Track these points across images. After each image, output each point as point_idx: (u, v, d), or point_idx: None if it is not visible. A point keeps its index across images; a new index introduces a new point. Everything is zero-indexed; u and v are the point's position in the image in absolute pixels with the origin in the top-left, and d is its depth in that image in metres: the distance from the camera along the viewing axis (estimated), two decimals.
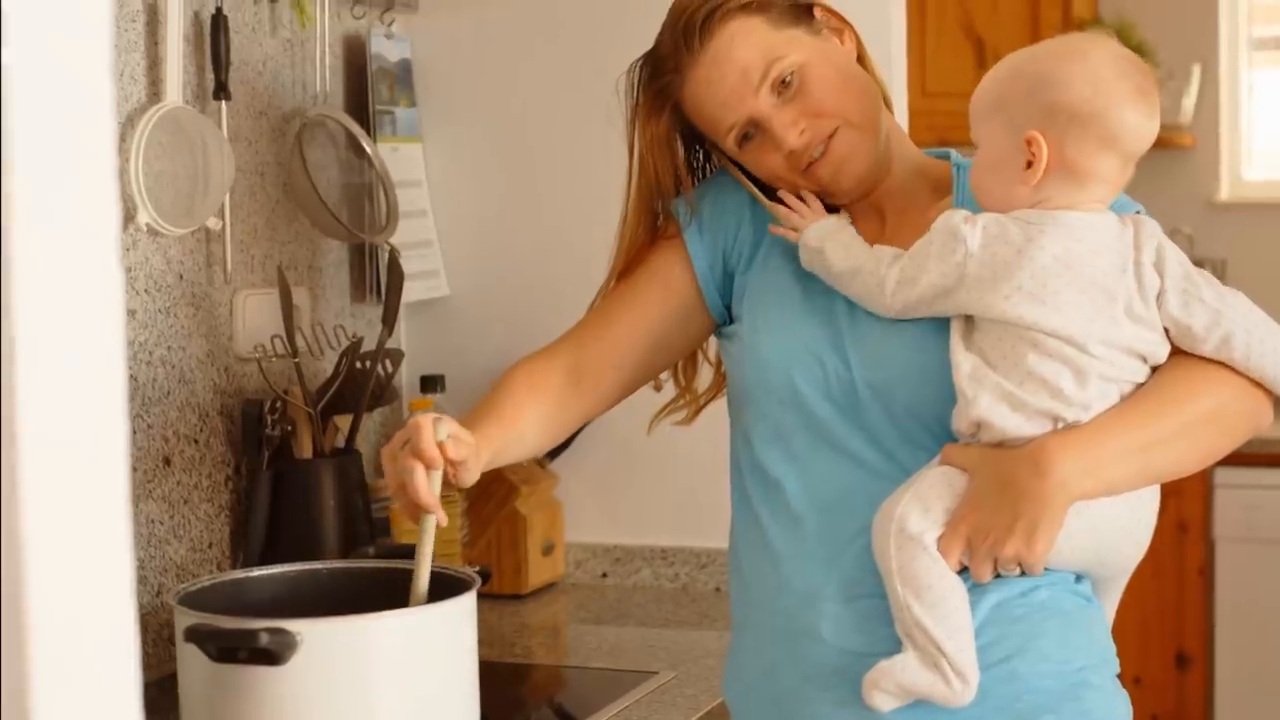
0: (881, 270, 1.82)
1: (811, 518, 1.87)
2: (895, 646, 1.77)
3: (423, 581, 1.83)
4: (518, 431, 1.94)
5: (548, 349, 2.02)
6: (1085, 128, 1.75)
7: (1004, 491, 1.73)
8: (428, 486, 1.77)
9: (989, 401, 1.74)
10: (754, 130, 1.93)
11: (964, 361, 1.76)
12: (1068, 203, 1.77)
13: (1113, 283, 1.75)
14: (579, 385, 1.99)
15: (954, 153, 2.01)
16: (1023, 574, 1.78)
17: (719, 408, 2.09)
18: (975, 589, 1.77)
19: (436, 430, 1.77)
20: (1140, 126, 1.78)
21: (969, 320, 1.79)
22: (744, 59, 1.90)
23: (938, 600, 1.73)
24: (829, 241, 1.88)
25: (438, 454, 1.76)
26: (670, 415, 2.13)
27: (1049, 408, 1.74)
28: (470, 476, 1.83)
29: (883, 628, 1.79)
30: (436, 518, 1.79)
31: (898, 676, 1.74)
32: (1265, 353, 1.79)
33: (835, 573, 1.84)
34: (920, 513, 1.75)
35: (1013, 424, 1.74)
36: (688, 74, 1.93)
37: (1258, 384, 1.82)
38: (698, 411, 2.13)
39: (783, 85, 1.90)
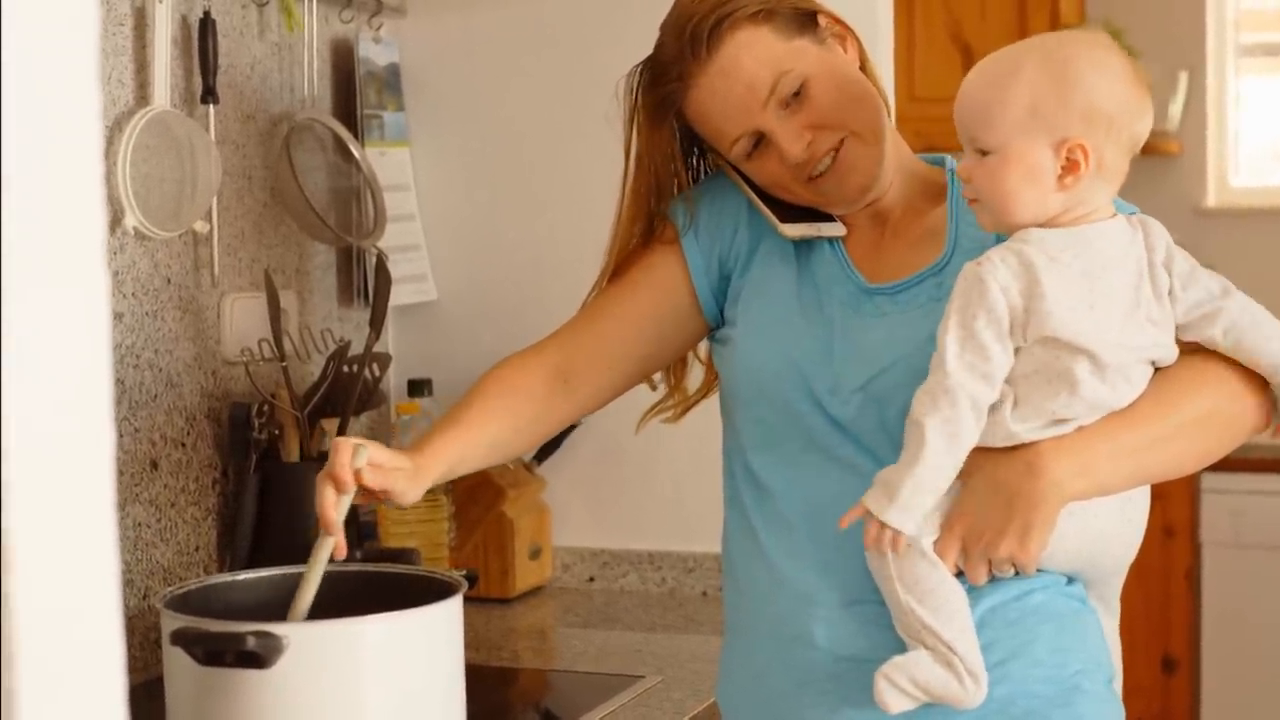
0: (960, 403, 1.70)
1: (804, 524, 1.87)
2: (890, 653, 1.76)
3: (306, 599, 1.83)
4: (484, 438, 1.93)
5: (536, 347, 2.01)
6: (1120, 133, 1.74)
7: (997, 493, 1.73)
8: (333, 505, 1.79)
9: (992, 437, 1.74)
10: (759, 141, 1.91)
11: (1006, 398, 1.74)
12: (1092, 206, 1.76)
13: (1133, 290, 1.75)
14: (567, 384, 1.98)
15: (949, 158, 2.00)
16: (1016, 575, 1.78)
17: (705, 412, 2.09)
18: (970, 592, 1.77)
19: (356, 456, 1.78)
20: (1150, 125, 1.78)
21: None
22: (751, 71, 1.88)
23: (941, 603, 1.73)
24: (912, 493, 1.73)
25: (349, 479, 1.78)
26: (659, 414, 2.13)
27: (1049, 433, 1.74)
28: (405, 499, 1.85)
29: (878, 634, 1.79)
30: (335, 541, 1.81)
31: (913, 671, 1.73)
32: (1258, 338, 1.80)
33: (828, 579, 1.84)
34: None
35: (1003, 441, 1.75)
36: (692, 82, 1.90)
37: (1254, 387, 1.83)
38: (686, 410, 2.11)
39: (791, 98, 1.89)
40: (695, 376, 2.11)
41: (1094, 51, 1.76)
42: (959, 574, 1.77)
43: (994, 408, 1.73)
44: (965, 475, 1.75)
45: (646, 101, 1.95)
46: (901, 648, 1.77)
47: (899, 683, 1.74)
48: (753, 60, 1.88)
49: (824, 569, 1.85)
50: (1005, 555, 1.73)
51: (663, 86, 1.93)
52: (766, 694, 1.90)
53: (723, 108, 1.90)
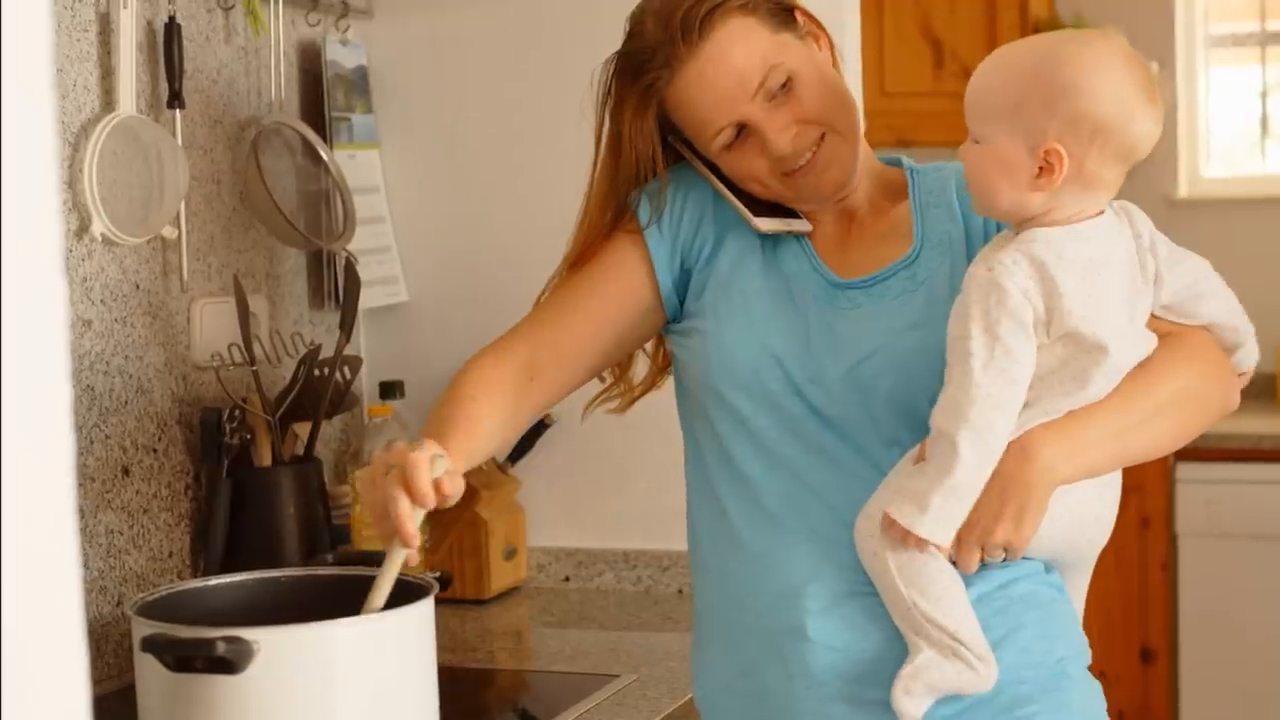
0: (990, 414, 1.71)
1: (787, 514, 1.87)
2: (883, 642, 1.79)
3: (378, 600, 1.77)
4: (481, 438, 1.90)
5: (501, 344, 1.98)
6: (1108, 141, 1.72)
7: (990, 479, 1.74)
8: (413, 519, 1.69)
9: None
10: (741, 133, 1.91)
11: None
12: (1075, 210, 1.76)
13: (1129, 284, 1.78)
14: (532, 382, 1.96)
15: (904, 158, 2.02)
16: (1005, 561, 1.80)
17: (675, 410, 2.09)
18: None
19: (434, 467, 1.70)
20: (1153, 135, 1.76)
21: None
22: (742, 62, 1.88)
23: (942, 593, 1.75)
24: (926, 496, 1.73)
25: (432, 494, 1.69)
26: (603, 403, 2.12)
27: (1036, 421, 1.76)
28: (456, 499, 1.78)
29: (870, 623, 1.81)
30: (410, 553, 1.72)
31: (924, 677, 1.75)
32: (1216, 308, 1.86)
33: (818, 571, 1.84)
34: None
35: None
36: (679, 69, 1.89)
37: (1221, 363, 1.87)
38: (632, 402, 2.11)
39: (778, 91, 1.89)
40: (640, 368, 2.11)
41: (1097, 55, 1.74)
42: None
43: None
44: None
45: (630, 88, 1.93)
46: (896, 635, 1.79)
47: (916, 691, 1.76)
48: (744, 50, 1.88)
49: (812, 561, 1.85)
50: (1000, 541, 1.75)
51: (648, 73, 1.91)
52: (755, 689, 1.89)
53: (710, 97, 1.89)
